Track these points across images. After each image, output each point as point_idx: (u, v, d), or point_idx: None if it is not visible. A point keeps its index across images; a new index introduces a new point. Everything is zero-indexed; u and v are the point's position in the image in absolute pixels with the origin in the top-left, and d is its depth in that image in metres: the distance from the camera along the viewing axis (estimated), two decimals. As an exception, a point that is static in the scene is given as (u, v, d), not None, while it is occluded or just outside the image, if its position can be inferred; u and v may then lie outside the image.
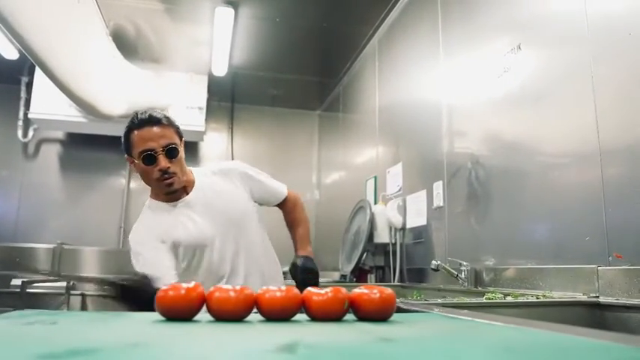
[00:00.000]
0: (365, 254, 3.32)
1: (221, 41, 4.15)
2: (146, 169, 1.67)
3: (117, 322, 0.82)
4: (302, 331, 0.72)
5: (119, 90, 4.11)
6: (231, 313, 0.82)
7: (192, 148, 5.33)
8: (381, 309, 0.84)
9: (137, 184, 5.30)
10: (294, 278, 1.79)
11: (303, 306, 0.84)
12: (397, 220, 3.14)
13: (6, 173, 5.12)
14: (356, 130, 4.59)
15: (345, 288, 0.87)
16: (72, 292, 4.22)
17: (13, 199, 5.06)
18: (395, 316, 0.85)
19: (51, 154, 5.25)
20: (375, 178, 3.83)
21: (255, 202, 1.93)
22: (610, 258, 1.56)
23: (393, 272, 3.16)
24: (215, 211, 1.78)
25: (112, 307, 4.38)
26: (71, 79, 3.20)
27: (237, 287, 0.84)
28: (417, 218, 3.01)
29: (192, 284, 0.83)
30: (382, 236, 3.25)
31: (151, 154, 1.65)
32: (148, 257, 1.67)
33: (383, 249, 3.29)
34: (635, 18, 1.55)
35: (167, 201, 1.77)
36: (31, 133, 5.12)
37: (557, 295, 1.69)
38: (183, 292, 0.81)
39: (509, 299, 1.66)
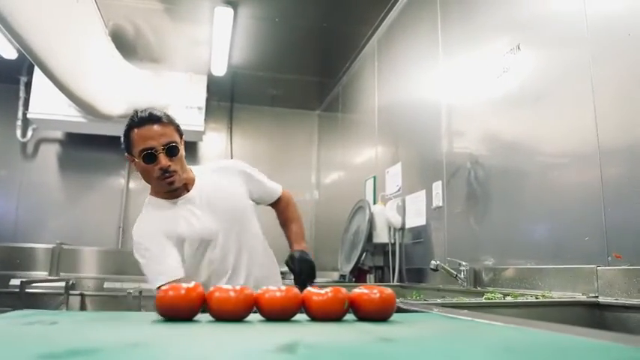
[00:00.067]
0: (364, 254, 3.32)
1: (220, 41, 4.15)
2: (146, 167, 1.67)
3: (117, 322, 0.82)
4: (302, 331, 0.72)
5: (118, 90, 4.10)
6: (231, 313, 0.82)
7: (191, 148, 5.32)
8: (381, 309, 0.84)
9: (136, 184, 5.30)
10: (292, 270, 1.82)
11: (303, 306, 0.84)
12: (396, 220, 3.14)
13: (5, 173, 5.11)
14: (355, 130, 4.59)
15: (344, 288, 0.87)
16: (71, 292, 4.22)
17: (12, 199, 5.05)
18: (395, 316, 0.85)
19: (50, 154, 5.24)
20: (375, 178, 3.83)
21: (252, 200, 1.96)
22: (609, 258, 1.56)
23: (392, 272, 3.16)
24: (217, 207, 1.79)
25: (112, 307, 4.38)
26: (70, 79, 3.20)
27: (237, 287, 0.84)
28: (416, 218, 3.01)
29: (192, 284, 0.83)
30: (381, 236, 3.25)
31: (152, 152, 1.65)
32: (154, 252, 1.68)
33: (382, 249, 3.29)
34: (634, 19, 1.55)
35: (167, 198, 1.78)
36: (29, 133, 5.11)
37: (557, 295, 1.69)
38: (183, 292, 0.81)
39: (508, 299, 1.66)
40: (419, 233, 2.98)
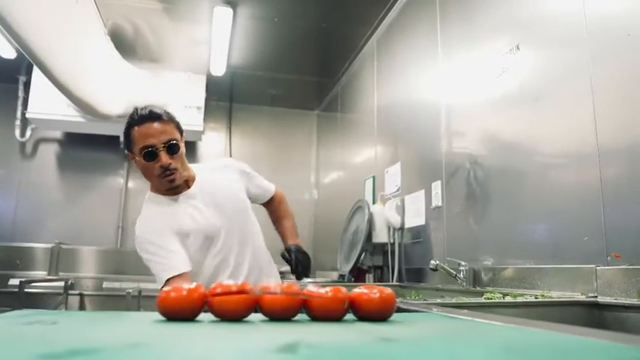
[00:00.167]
0: (363, 254, 3.33)
1: (219, 41, 4.15)
2: (147, 165, 1.67)
3: (117, 322, 0.82)
4: (302, 331, 0.72)
5: (117, 89, 4.10)
6: (232, 313, 0.82)
7: (190, 147, 5.32)
8: (381, 309, 0.84)
9: (135, 183, 5.30)
10: (288, 262, 1.86)
11: (304, 306, 0.84)
12: (395, 220, 3.14)
13: (4, 173, 5.11)
14: (354, 130, 4.59)
15: (344, 287, 0.87)
16: (70, 291, 4.21)
17: (10, 199, 5.04)
18: (395, 316, 0.85)
19: (49, 153, 5.24)
20: (374, 177, 3.83)
21: (248, 198, 1.99)
22: (608, 258, 1.56)
23: (391, 272, 3.16)
24: (218, 202, 1.80)
25: (111, 307, 4.38)
26: (69, 79, 3.19)
27: (239, 282, 0.84)
28: (415, 218, 3.01)
29: (193, 285, 0.83)
30: (380, 236, 3.25)
31: (152, 150, 1.65)
32: (160, 246, 1.67)
33: (381, 249, 3.30)
34: (633, 19, 1.55)
35: (168, 195, 1.78)
36: (28, 133, 5.11)
37: (556, 295, 1.69)
38: (184, 293, 0.81)
39: (508, 299, 1.66)
40: (418, 233, 2.98)
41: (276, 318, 0.84)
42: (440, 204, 2.71)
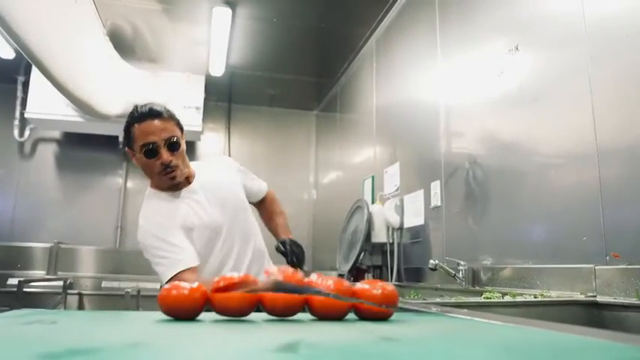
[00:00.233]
0: (362, 254, 3.33)
1: (218, 41, 4.15)
2: (148, 162, 1.67)
3: (117, 321, 0.82)
4: (304, 330, 0.72)
5: (116, 90, 4.09)
6: (234, 310, 0.82)
7: (189, 148, 5.21)
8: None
9: (134, 183, 5.29)
10: (283, 253, 1.88)
11: (306, 304, 0.84)
12: (395, 220, 3.14)
13: (2, 173, 5.10)
14: (353, 130, 4.59)
15: (347, 281, 0.87)
16: (69, 291, 4.21)
17: (9, 199, 5.04)
18: (395, 316, 0.85)
19: (47, 153, 5.23)
20: (373, 177, 3.84)
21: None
22: (607, 258, 1.56)
23: (390, 272, 3.16)
24: (220, 198, 1.81)
25: (109, 307, 4.37)
26: (68, 79, 3.19)
27: (242, 274, 0.84)
28: (414, 218, 3.01)
29: (195, 284, 0.83)
30: (380, 236, 3.25)
31: (153, 147, 1.65)
32: (166, 240, 1.65)
33: (380, 248, 3.30)
34: (632, 20, 1.56)
35: (169, 191, 1.77)
36: (27, 133, 5.10)
37: (555, 295, 1.70)
38: (186, 292, 0.81)
39: (507, 299, 1.67)
40: (417, 233, 2.98)
41: (279, 316, 0.84)
42: (439, 204, 2.71)
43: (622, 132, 1.58)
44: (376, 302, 0.82)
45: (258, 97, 5.65)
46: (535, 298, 1.66)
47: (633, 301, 1.43)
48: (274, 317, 0.85)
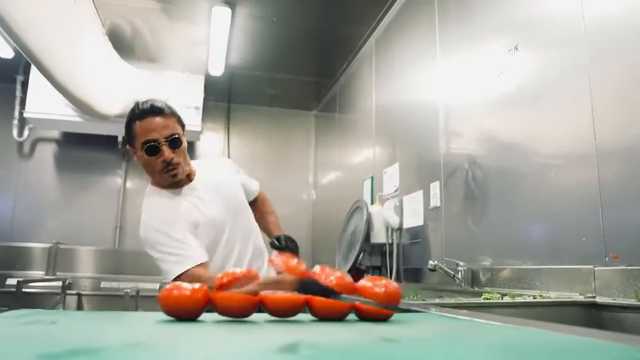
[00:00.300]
0: (362, 254, 3.33)
1: (218, 41, 4.15)
2: (149, 160, 1.66)
3: (117, 321, 0.82)
4: (304, 330, 0.72)
5: (115, 89, 4.09)
6: (236, 311, 0.82)
7: (188, 147, 5.29)
8: (385, 304, 0.84)
9: (133, 183, 5.29)
10: (278, 248, 1.87)
11: (307, 305, 0.84)
12: (394, 221, 3.14)
13: (1, 172, 5.09)
14: (353, 131, 4.59)
15: (348, 276, 0.87)
16: (68, 291, 4.20)
17: (8, 199, 5.03)
18: (395, 316, 0.85)
19: (46, 153, 5.22)
20: (372, 178, 3.84)
21: None
22: (606, 258, 1.57)
23: (389, 272, 3.16)
24: (221, 197, 1.81)
25: (108, 307, 4.37)
26: (67, 78, 3.19)
27: (244, 269, 0.84)
28: (413, 218, 3.01)
29: (197, 285, 0.83)
30: (379, 236, 3.25)
31: (155, 145, 1.63)
32: (172, 235, 1.63)
33: (379, 249, 3.30)
34: (632, 20, 1.56)
35: (170, 188, 1.76)
36: (26, 133, 5.10)
37: (554, 296, 1.70)
38: (188, 292, 0.81)
39: (506, 299, 1.67)
40: (416, 233, 2.98)
41: (279, 316, 0.84)
42: (438, 204, 2.71)
43: (621, 132, 1.58)
44: (379, 300, 0.82)
45: (257, 96, 5.65)
46: (534, 298, 1.66)
47: (632, 302, 1.43)
48: (275, 318, 0.85)
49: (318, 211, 5.66)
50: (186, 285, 0.82)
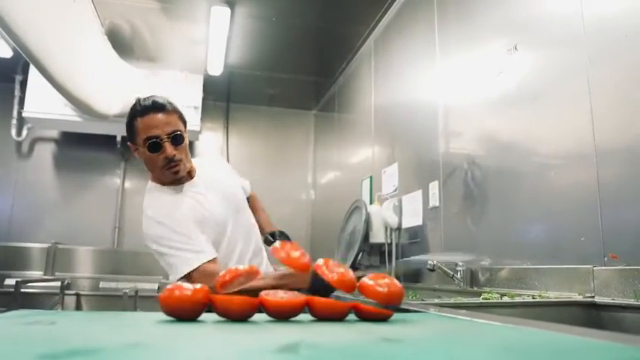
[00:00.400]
0: (360, 254, 3.33)
1: (217, 40, 4.14)
2: (151, 156, 1.65)
3: (116, 322, 0.82)
4: (304, 330, 0.72)
5: (114, 89, 4.09)
6: (236, 313, 0.82)
7: (187, 147, 5.29)
8: (387, 302, 0.84)
9: (132, 183, 5.29)
10: (273, 242, 1.90)
11: (307, 305, 0.84)
12: (393, 220, 3.14)
13: (0, 172, 5.09)
14: (352, 130, 4.59)
15: (351, 271, 0.86)
16: (66, 291, 4.20)
17: (7, 199, 5.02)
18: (395, 316, 0.85)
19: (45, 153, 5.21)
20: (371, 178, 3.84)
21: None
22: (605, 258, 1.57)
23: (388, 272, 3.17)
24: (222, 196, 1.81)
25: (107, 307, 4.36)
26: (66, 78, 3.19)
27: (247, 265, 0.84)
28: (412, 218, 3.01)
29: (198, 286, 0.83)
30: (378, 236, 3.25)
31: (156, 141, 1.63)
32: (178, 231, 1.60)
33: (378, 249, 3.30)
34: (631, 20, 1.56)
35: (171, 185, 1.75)
36: (25, 132, 5.09)
37: (553, 295, 1.70)
38: (189, 292, 0.81)
39: (505, 299, 1.67)
40: (415, 233, 2.98)
41: (280, 317, 0.83)
42: (437, 204, 2.71)
43: (620, 132, 1.59)
44: (380, 300, 0.82)
45: (256, 96, 5.65)
46: (533, 298, 1.67)
47: (631, 301, 1.43)
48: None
49: (317, 211, 5.66)
50: (187, 285, 0.82)
